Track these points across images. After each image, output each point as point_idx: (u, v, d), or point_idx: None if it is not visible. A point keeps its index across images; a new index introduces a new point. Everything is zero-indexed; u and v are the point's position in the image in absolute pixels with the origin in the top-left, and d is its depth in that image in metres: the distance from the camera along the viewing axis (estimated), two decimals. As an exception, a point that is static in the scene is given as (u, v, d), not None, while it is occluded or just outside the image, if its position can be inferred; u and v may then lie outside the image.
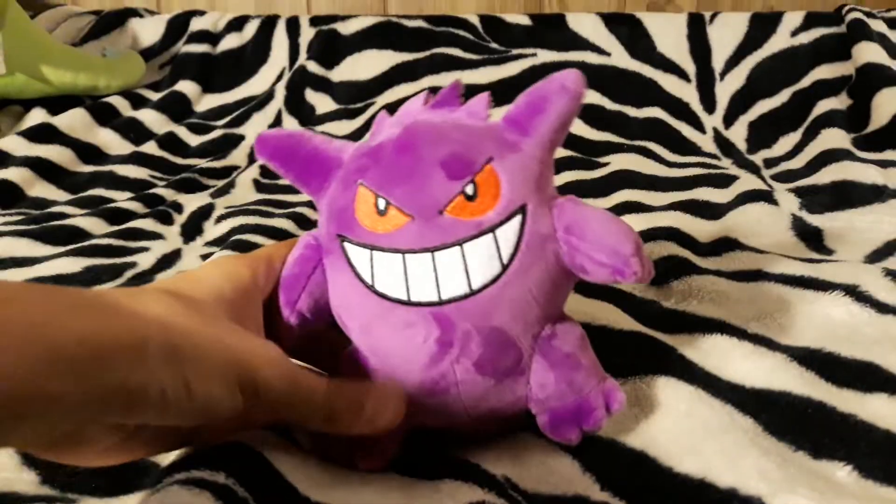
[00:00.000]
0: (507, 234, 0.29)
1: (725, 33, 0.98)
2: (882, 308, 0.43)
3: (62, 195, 0.82)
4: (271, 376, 0.26)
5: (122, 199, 0.78)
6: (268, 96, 1.06)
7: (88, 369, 0.20)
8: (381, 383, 0.31)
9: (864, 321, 0.43)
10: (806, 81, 0.91)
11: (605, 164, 0.80)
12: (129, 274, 0.59)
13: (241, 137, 1.00)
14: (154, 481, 0.32)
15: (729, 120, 0.93)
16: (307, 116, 1.03)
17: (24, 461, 0.36)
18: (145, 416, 0.23)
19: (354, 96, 1.03)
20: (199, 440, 0.30)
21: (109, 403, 0.21)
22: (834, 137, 0.78)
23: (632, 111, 0.95)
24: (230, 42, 1.15)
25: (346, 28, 1.10)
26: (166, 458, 0.35)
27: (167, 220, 0.72)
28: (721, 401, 0.37)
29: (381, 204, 0.30)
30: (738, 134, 0.90)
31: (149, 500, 0.29)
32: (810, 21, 0.96)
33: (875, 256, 0.53)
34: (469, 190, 0.29)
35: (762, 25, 0.98)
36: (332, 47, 1.09)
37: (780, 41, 0.96)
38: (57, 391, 0.19)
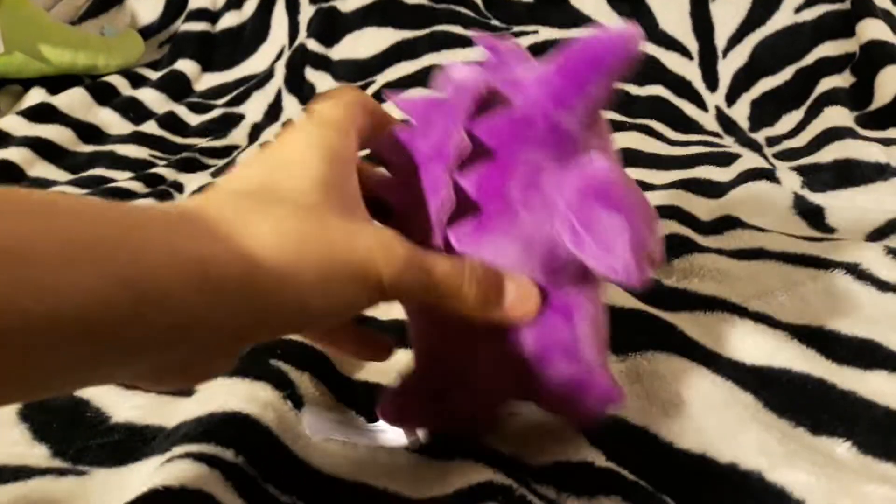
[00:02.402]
0: None
1: (728, 10, 0.97)
2: (883, 286, 0.43)
3: (62, 175, 0.82)
4: (396, 273, 0.23)
5: (122, 179, 0.78)
6: (267, 75, 1.06)
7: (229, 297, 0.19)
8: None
9: (864, 299, 0.43)
10: (809, 59, 0.90)
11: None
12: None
13: (242, 116, 1.00)
14: (161, 448, 0.33)
15: (731, 98, 0.92)
16: (307, 95, 1.02)
17: (36, 436, 0.36)
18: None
19: (355, 74, 1.03)
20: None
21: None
22: (837, 115, 0.78)
23: (634, 89, 0.94)
24: (229, 20, 1.14)
25: (346, 5, 1.09)
26: (172, 420, 0.36)
27: (168, 199, 0.72)
28: (722, 377, 0.37)
29: None
30: (740, 112, 0.90)
31: (161, 470, 0.29)
32: (814, -3, 0.96)
33: (877, 235, 0.53)
34: None
35: (765, 2, 0.97)
36: (331, 25, 1.08)
37: (783, 18, 0.95)
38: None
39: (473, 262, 0.26)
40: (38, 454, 0.35)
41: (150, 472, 0.29)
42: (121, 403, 0.39)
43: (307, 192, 0.23)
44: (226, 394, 0.35)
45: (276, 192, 0.23)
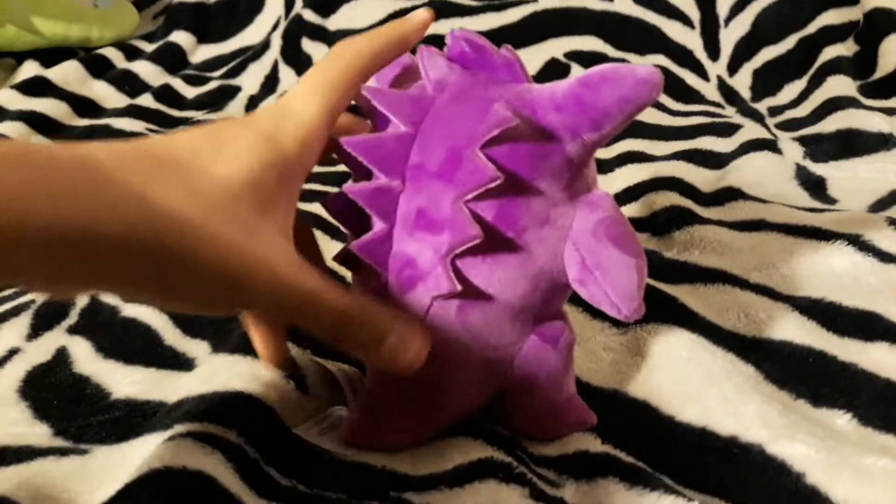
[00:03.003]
0: None
1: (731, -22, 0.96)
2: (885, 257, 0.43)
3: (59, 149, 0.82)
4: (271, 289, 0.23)
5: (119, 153, 0.77)
6: (263, 46, 1.04)
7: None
8: (410, 318, 0.28)
9: (866, 270, 0.43)
10: (812, 27, 0.89)
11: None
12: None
13: (238, 89, 0.99)
14: (162, 424, 0.33)
15: (733, 67, 0.91)
16: (304, 66, 1.01)
17: (37, 415, 0.36)
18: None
19: (352, 46, 1.01)
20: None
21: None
22: (840, 85, 0.77)
23: (635, 58, 0.93)
24: (223, -10, 1.12)
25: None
26: (172, 395, 0.36)
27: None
28: (722, 349, 0.37)
29: None
30: (742, 82, 0.89)
31: (162, 449, 0.29)
32: (818, -36, 0.94)
33: (879, 206, 0.53)
34: None
35: (768, -31, 0.95)
36: (328, -5, 1.07)
37: (786, -15, 0.94)
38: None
39: (363, 301, 0.26)
40: (40, 433, 0.35)
41: (152, 451, 0.29)
42: (120, 380, 0.39)
43: (238, 180, 0.23)
44: (228, 371, 0.35)
45: (200, 168, 0.23)
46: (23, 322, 0.44)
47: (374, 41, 0.29)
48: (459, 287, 0.27)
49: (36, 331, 0.43)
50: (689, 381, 0.35)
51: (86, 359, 0.41)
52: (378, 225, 0.28)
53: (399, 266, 0.28)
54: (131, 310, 0.44)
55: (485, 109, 0.27)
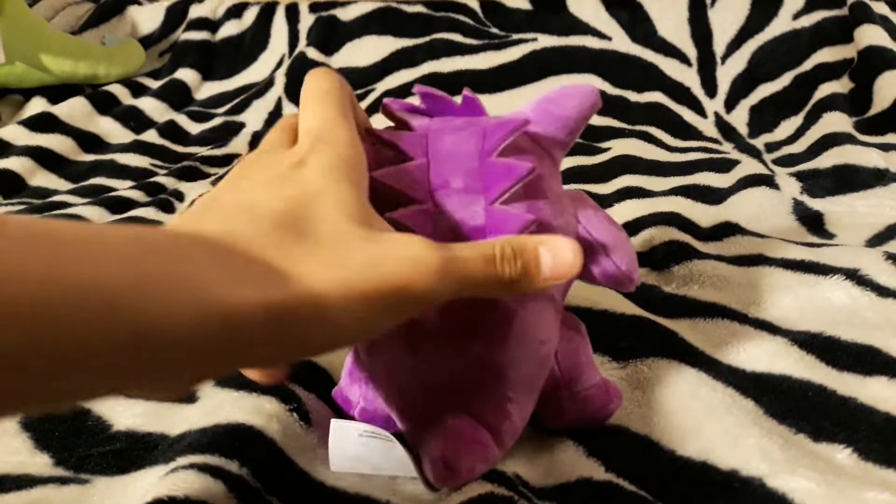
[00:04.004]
0: None
1: (727, 16, 0.98)
2: (883, 292, 0.44)
3: (63, 184, 0.82)
4: (429, 284, 0.23)
5: (123, 188, 0.78)
6: (268, 83, 1.06)
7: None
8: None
9: (864, 305, 0.43)
10: (808, 65, 0.91)
11: (606, 150, 0.80)
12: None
13: (242, 125, 1.00)
14: (164, 456, 0.33)
15: (730, 104, 0.93)
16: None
17: (38, 445, 0.36)
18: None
19: (354, 82, 1.03)
20: None
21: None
22: (836, 121, 0.78)
23: (633, 96, 0.94)
24: (230, 29, 1.15)
25: (346, 14, 1.10)
26: (174, 427, 0.36)
27: (168, 208, 0.72)
28: (722, 384, 0.37)
29: None
30: (739, 118, 0.90)
31: (165, 480, 0.29)
32: (812, 4, 0.96)
33: (876, 240, 0.53)
34: None
35: (764, 8, 0.97)
36: (331, 33, 1.09)
37: (781, 24, 0.95)
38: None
39: (503, 243, 0.25)
40: (41, 463, 0.35)
41: (154, 482, 0.29)
42: (122, 411, 0.39)
43: (333, 220, 0.23)
44: (231, 406, 0.35)
45: (300, 222, 0.22)
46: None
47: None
48: None
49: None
50: (690, 415, 0.35)
51: (87, 392, 0.41)
52: None
53: None
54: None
55: (480, 132, 0.30)
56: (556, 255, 0.26)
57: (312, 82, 0.28)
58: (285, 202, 0.23)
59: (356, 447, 0.32)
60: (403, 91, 0.97)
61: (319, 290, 0.21)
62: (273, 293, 0.20)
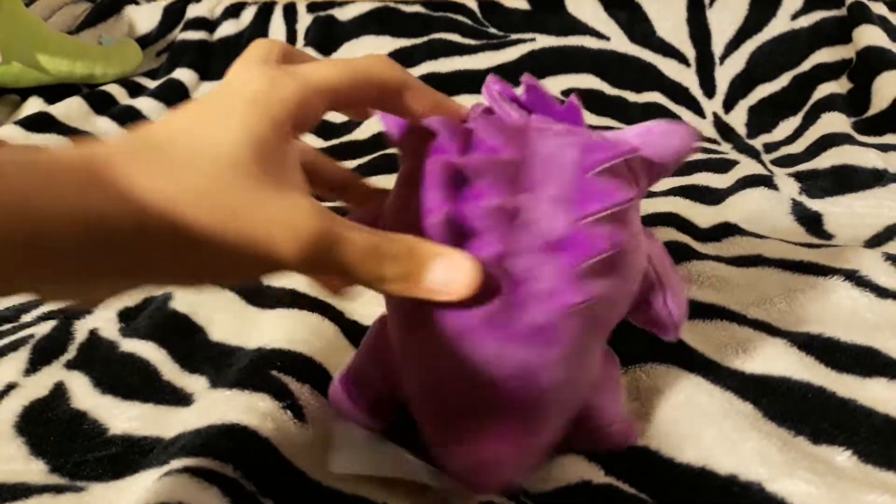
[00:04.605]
0: None
1: (725, 17, 0.98)
2: (882, 293, 0.43)
3: (61, 184, 0.82)
4: (299, 251, 0.22)
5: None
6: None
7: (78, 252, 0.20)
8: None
9: (863, 306, 0.43)
10: (806, 65, 0.91)
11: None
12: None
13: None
14: (159, 460, 0.32)
15: (729, 104, 0.92)
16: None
17: (33, 451, 0.36)
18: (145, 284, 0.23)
19: (353, 83, 1.03)
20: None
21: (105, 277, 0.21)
22: (834, 121, 0.78)
23: (631, 96, 0.94)
24: (227, 29, 1.14)
25: (344, 14, 1.10)
26: (170, 431, 0.35)
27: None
28: (720, 387, 0.37)
29: None
30: (737, 118, 0.90)
31: (158, 485, 0.29)
32: (810, 4, 0.96)
33: (875, 241, 0.53)
34: None
35: (762, 8, 0.97)
36: (329, 33, 1.08)
37: (780, 24, 0.95)
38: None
39: (399, 240, 0.24)
40: (36, 470, 0.35)
41: (148, 486, 0.29)
42: (118, 415, 0.39)
43: (227, 150, 0.22)
44: (225, 405, 0.35)
45: (189, 146, 0.22)
46: (21, 357, 0.44)
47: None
48: (589, 297, 0.27)
49: (34, 366, 0.43)
50: (688, 421, 0.35)
51: (83, 394, 0.40)
52: (491, 244, 0.27)
53: (511, 286, 0.27)
54: (129, 345, 0.44)
55: (583, 144, 0.28)
56: (451, 272, 0.24)
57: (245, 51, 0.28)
58: (183, 123, 0.23)
59: (361, 450, 0.31)
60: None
61: (174, 212, 0.21)
62: (129, 206, 0.20)
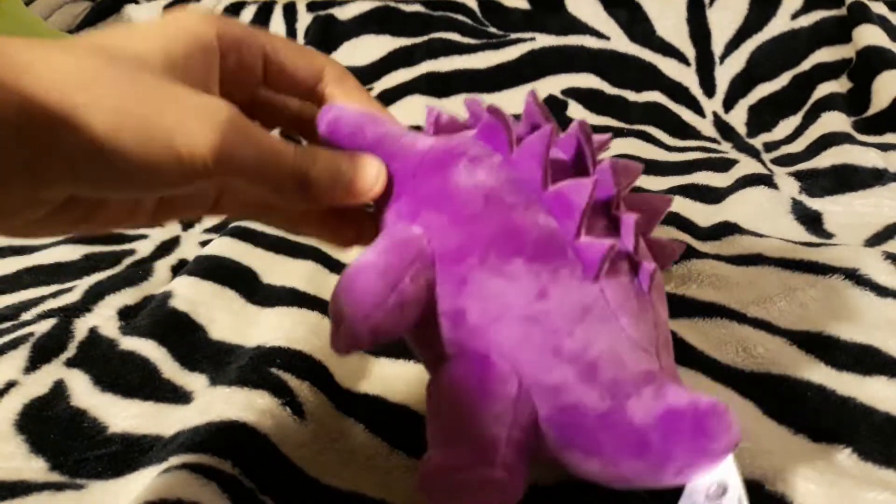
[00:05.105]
0: None
1: (725, 16, 0.98)
2: (882, 291, 0.43)
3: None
4: (215, 143, 0.21)
5: (120, 187, 0.78)
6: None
7: None
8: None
9: (863, 305, 0.43)
10: (806, 65, 0.91)
11: (605, 149, 0.79)
12: (127, 261, 0.59)
13: (240, 124, 0.99)
14: (158, 458, 0.32)
15: (729, 104, 0.92)
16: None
17: (33, 449, 0.36)
18: (57, 190, 0.21)
19: (352, 82, 1.03)
20: (163, 217, 0.27)
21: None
22: (834, 121, 0.78)
23: (631, 95, 0.94)
24: (227, 28, 1.14)
25: (344, 13, 1.10)
26: (169, 429, 0.35)
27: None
28: (721, 384, 0.37)
29: None
30: (737, 118, 0.90)
31: (157, 482, 0.29)
32: (810, 3, 0.96)
33: (875, 240, 0.53)
34: None
35: (762, 8, 0.97)
36: (329, 33, 1.08)
37: (780, 24, 0.95)
38: None
39: (305, 147, 0.25)
40: (36, 468, 0.35)
41: (147, 484, 0.29)
42: (117, 413, 0.39)
43: (141, 55, 0.21)
44: (224, 403, 0.35)
45: (103, 47, 0.21)
46: (21, 355, 0.44)
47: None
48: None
49: (34, 364, 0.43)
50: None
51: (83, 392, 0.40)
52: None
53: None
54: (129, 343, 0.44)
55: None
56: (358, 169, 0.26)
57: None
58: (98, 35, 0.22)
59: None
60: (401, 90, 0.96)
61: (69, 99, 0.19)
62: (16, 89, 0.19)
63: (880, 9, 0.92)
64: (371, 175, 0.26)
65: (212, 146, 0.21)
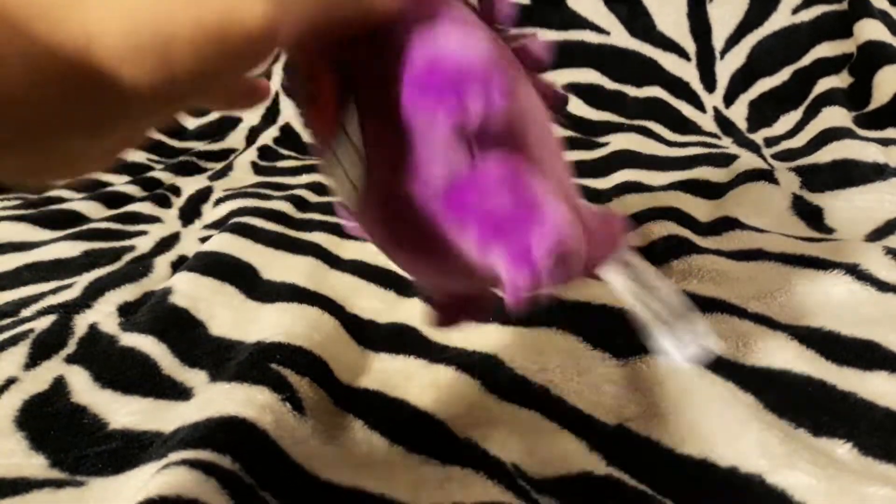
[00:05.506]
0: None
1: (726, 11, 0.98)
2: (882, 286, 0.43)
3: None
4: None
5: (119, 183, 0.78)
6: (265, 77, 1.06)
7: None
8: None
9: (864, 299, 0.43)
10: (807, 59, 0.90)
11: (605, 144, 0.79)
12: (127, 257, 0.59)
13: (239, 120, 0.99)
14: (158, 453, 0.32)
15: (729, 99, 0.92)
16: (305, 98, 1.02)
17: (33, 445, 0.36)
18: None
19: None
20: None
21: None
22: (835, 116, 0.78)
23: (631, 90, 0.94)
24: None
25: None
26: (170, 425, 0.36)
27: (165, 203, 0.72)
28: (722, 378, 0.37)
29: None
30: (738, 113, 0.90)
31: (157, 478, 0.29)
32: (811, -2, 0.96)
33: (876, 235, 0.53)
34: None
35: (763, 3, 0.97)
36: (329, 28, 1.08)
37: (780, 19, 0.95)
38: None
39: None
40: (36, 464, 0.35)
41: (147, 479, 0.29)
42: (118, 409, 0.39)
43: None
44: (224, 398, 0.35)
45: None
46: (21, 351, 0.43)
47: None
48: None
49: (34, 360, 0.43)
50: (689, 412, 0.35)
51: (83, 388, 0.40)
52: None
53: None
54: (129, 339, 0.44)
55: None
56: None
57: None
58: None
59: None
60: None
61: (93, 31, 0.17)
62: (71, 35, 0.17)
63: (881, 3, 0.92)
64: None
65: (264, 15, 0.19)
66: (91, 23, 0.18)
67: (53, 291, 0.52)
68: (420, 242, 0.24)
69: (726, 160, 0.70)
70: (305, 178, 0.79)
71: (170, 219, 0.69)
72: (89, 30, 0.18)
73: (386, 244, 0.26)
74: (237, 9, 0.19)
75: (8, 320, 0.48)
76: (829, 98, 0.82)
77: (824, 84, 0.86)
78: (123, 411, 0.38)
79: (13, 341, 0.45)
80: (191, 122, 0.99)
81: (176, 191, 0.75)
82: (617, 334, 0.40)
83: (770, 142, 0.80)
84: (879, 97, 0.79)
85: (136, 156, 0.87)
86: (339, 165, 0.25)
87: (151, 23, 0.18)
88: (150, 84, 0.19)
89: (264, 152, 0.88)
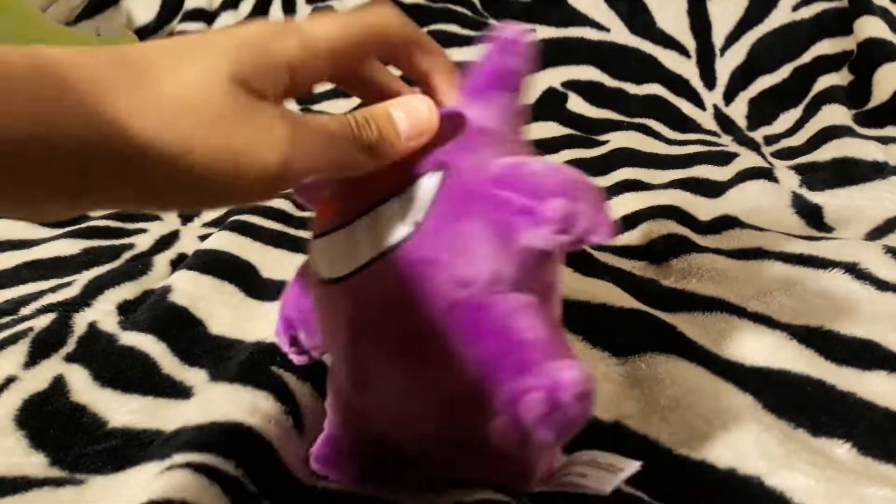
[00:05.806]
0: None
1: (726, 8, 0.97)
2: (882, 285, 0.43)
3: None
4: (287, 151, 0.22)
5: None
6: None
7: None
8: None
9: (863, 299, 0.43)
10: (807, 57, 0.90)
11: (605, 142, 0.79)
12: (126, 255, 0.59)
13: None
14: (160, 453, 0.32)
15: (729, 96, 0.92)
16: (304, 95, 1.02)
17: (33, 444, 0.36)
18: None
19: (352, 74, 1.02)
20: None
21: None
22: (835, 114, 0.78)
23: (631, 88, 0.94)
24: (226, 20, 1.14)
25: (343, 5, 1.09)
26: (169, 424, 0.36)
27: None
28: (721, 378, 0.37)
29: None
30: (738, 111, 0.90)
31: (160, 480, 0.29)
32: (811, -5, 0.95)
33: (875, 234, 0.53)
34: None
35: (763, 0, 0.97)
36: (328, 25, 1.08)
37: (780, 16, 0.95)
38: None
39: (353, 113, 0.24)
40: (36, 463, 0.35)
41: (150, 480, 0.29)
42: (117, 408, 0.39)
43: (203, 83, 0.21)
44: (227, 402, 0.35)
45: (172, 71, 0.21)
46: (20, 350, 0.43)
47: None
48: None
49: (33, 359, 0.43)
50: (688, 412, 0.35)
51: (83, 387, 0.40)
52: None
53: None
54: (129, 338, 0.44)
55: None
56: (410, 113, 0.26)
57: None
58: (161, 50, 0.22)
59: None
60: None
61: (136, 129, 0.19)
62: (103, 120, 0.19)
63: (882, 1, 0.92)
64: (424, 111, 0.26)
65: (279, 162, 0.22)
66: (125, 113, 0.20)
67: (53, 290, 0.52)
68: (419, 333, 0.25)
69: (726, 158, 0.70)
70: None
71: (169, 217, 0.69)
72: (123, 120, 0.20)
73: (364, 324, 0.27)
74: (254, 152, 0.21)
75: (7, 319, 0.48)
76: (829, 96, 0.82)
77: (824, 82, 0.85)
78: (123, 410, 0.38)
79: (12, 340, 0.45)
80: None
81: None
82: (616, 333, 0.40)
83: (770, 140, 0.80)
84: (879, 95, 0.78)
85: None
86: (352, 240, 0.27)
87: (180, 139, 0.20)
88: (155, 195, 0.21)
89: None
